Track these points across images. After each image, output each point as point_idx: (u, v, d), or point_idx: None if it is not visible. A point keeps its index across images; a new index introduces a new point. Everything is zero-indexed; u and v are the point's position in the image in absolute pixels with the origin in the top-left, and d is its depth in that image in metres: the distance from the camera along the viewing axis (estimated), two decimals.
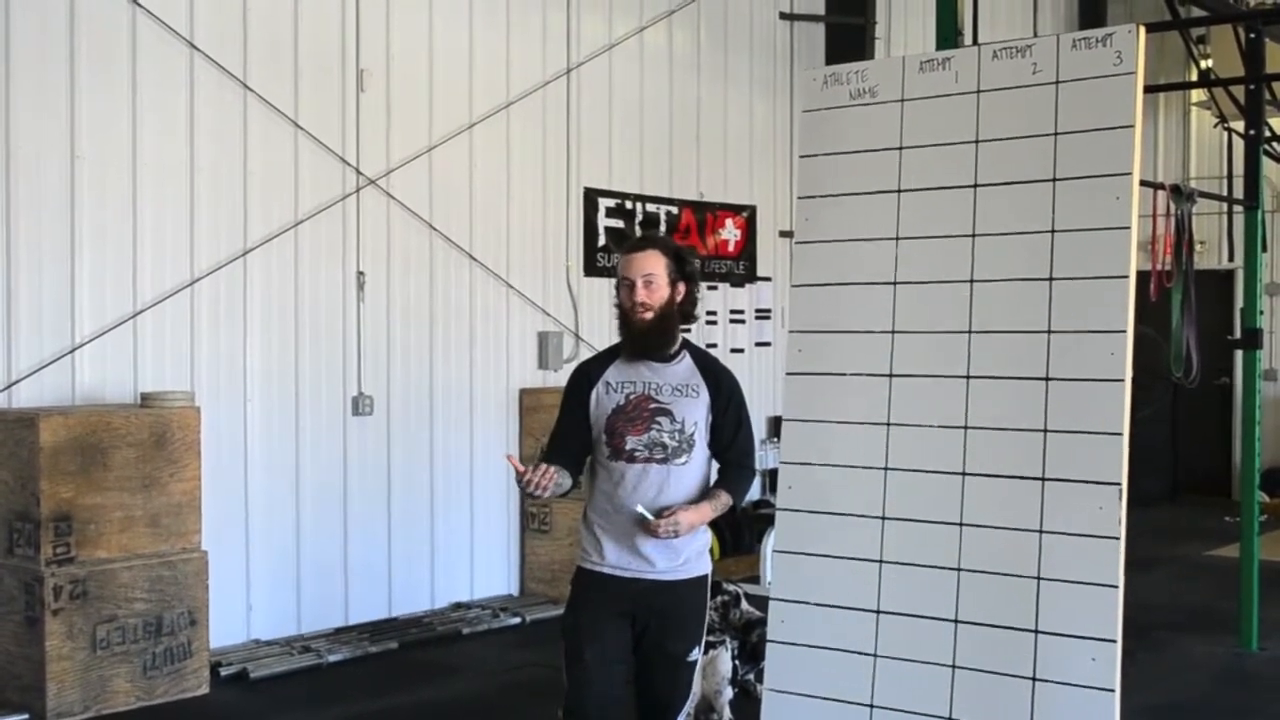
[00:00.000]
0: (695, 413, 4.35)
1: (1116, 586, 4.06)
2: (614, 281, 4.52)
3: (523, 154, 9.03)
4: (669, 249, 4.42)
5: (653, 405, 4.32)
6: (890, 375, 4.58)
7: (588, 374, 4.44)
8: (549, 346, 9.16)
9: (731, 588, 6.55)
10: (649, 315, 4.32)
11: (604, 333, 9.07)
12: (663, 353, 4.38)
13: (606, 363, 4.44)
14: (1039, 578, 4.19)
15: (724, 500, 4.38)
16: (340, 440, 7.98)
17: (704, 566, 4.44)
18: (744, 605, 6.48)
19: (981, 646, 4.28)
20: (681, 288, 4.38)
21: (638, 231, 9.65)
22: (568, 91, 9.29)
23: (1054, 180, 4.33)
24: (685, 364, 4.42)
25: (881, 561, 4.51)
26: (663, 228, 9.92)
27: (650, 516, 4.20)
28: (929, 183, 4.59)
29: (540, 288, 9.18)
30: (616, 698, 4.34)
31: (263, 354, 7.58)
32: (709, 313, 10.39)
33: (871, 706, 4.46)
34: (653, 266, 4.34)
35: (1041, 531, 4.21)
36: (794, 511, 4.72)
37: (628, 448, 4.30)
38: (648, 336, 4.34)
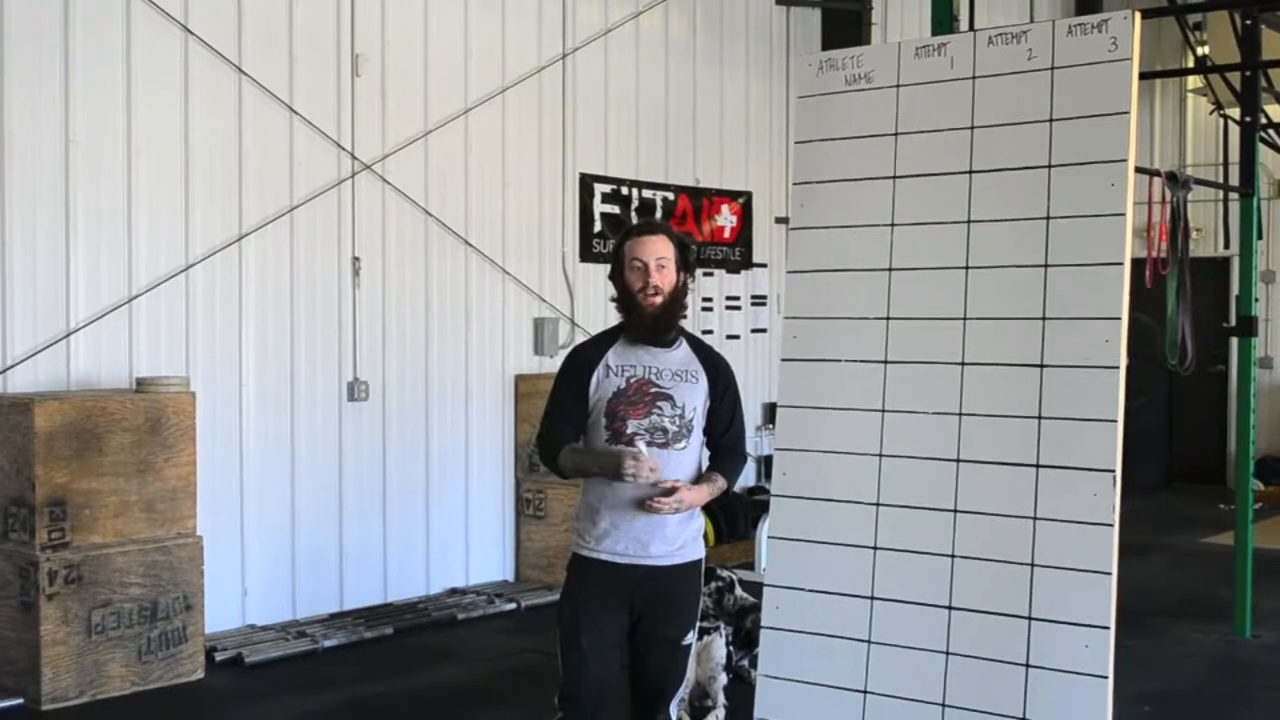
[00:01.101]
0: (695, 398, 4.36)
1: (1110, 573, 4.07)
2: (609, 267, 4.51)
3: (518, 140, 9.02)
4: (674, 237, 4.44)
5: (653, 390, 4.33)
6: (885, 362, 4.58)
7: (587, 356, 4.43)
8: (544, 332, 9.16)
9: (725, 574, 6.55)
10: (659, 299, 4.32)
11: (600, 319, 9.06)
12: (666, 337, 4.39)
13: (605, 345, 4.43)
14: (1033, 564, 4.20)
15: (720, 484, 4.41)
16: (335, 426, 7.98)
17: (699, 551, 4.45)
18: (738, 591, 6.49)
19: (975, 633, 4.29)
20: (683, 276, 4.40)
21: (633, 218, 9.64)
22: (563, 77, 9.28)
23: (1049, 167, 4.33)
24: (684, 350, 4.43)
25: (876, 548, 4.51)
26: (659, 213, 9.92)
27: (646, 452, 4.20)
28: (924, 169, 4.59)
29: (536, 274, 9.18)
30: (612, 684, 4.35)
31: (258, 339, 7.57)
32: (705, 299, 10.39)
33: (865, 693, 4.47)
34: (665, 251, 4.35)
35: (1035, 518, 4.22)
36: (789, 498, 4.73)
37: (628, 431, 4.29)
38: (658, 320, 4.34)
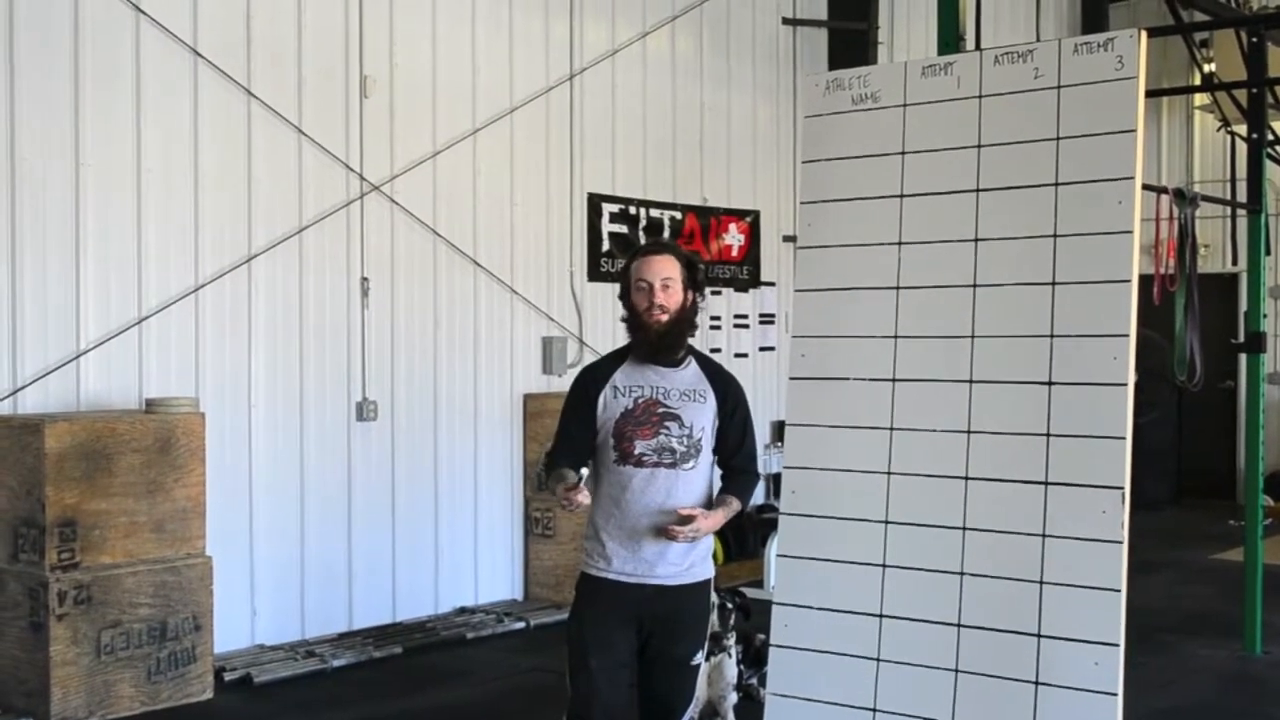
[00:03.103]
0: (703, 418, 4.37)
1: (1119, 590, 4.07)
2: (618, 287, 4.53)
3: (526, 160, 9.05)
4: (682, 256, 4.45)
5: (661, 410, 4.33)
6: (893, 380, 4.59)
7: (595, 377, 4.45)
8: (553, 352, 9.17)
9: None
10: (664, 318, 4.33)
11: (608, 338, 9.08)
12: (673, 357, 4.39)
13: (613, 366, 4.45)
14: (1042, 582, 4.20)
15: (734, 506, 4.41)
16: (345, 446, 7.99)
17: (708, 571, 4.45)
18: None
19: (984, 650, 4.28)
20: (691, 295, 4.40)
21: (642, 237, 9.66)
22: (571, 97, 9.30)
23: (1056, 185, 4.34)
24: (692, 369, 4.43)
25: (885, 566, 4.51)
26: (666, 233, 9.93)
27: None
28: (931, 188, 4.60)
29: (544, 293, 9.19)
30: (621, 704, 4.35)
31: (267, 360, 7.59)
32: (713, 318, 10.40)
33: (875, 711, 4.47)
34: (670, 270, 4.36)
35: (1044, 536, 4.22)
36: (797, 516, 4.73)
37: (636, 452, 4.30)
38: (664, 339, 4.35)
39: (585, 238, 9.47)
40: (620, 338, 4.54)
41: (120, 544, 6.38)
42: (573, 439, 4.42)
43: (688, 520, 4.22)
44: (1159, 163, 14.50)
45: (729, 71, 10.62)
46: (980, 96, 4.54)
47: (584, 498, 4.19)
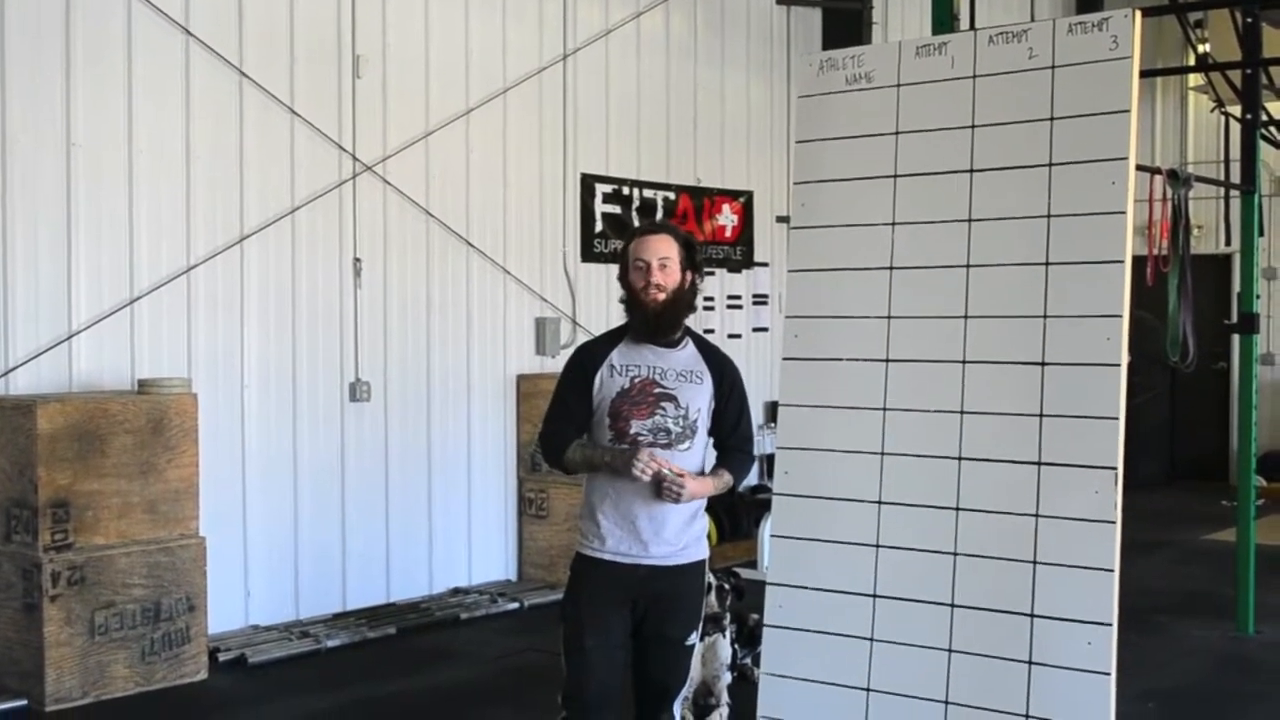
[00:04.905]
0: (699, 399, 4.36)
1: (1112, 570, 4.07)
2: (615, 267, 4.51)
3: (519, 140, 9.02)
4: (680, 237, 4.43)
5: (657, 390, 4.32)
6: (886, 360, 4.59)
7: (592, 355, 4.42)
8: (546, 332, 9.17)
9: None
10: (662, 296, 4.32)
11: (601, 319, 9.07)
12: (670, 337, 4.38)
13: (610, 345, 4.43)
14: (1035, 562, 4.21)
15: (726, 480, 4.40)
16: (338, 426, 7.98)
17: (702, 551, 4.45)
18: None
19: (978, 630, 4.29)
20: (689, 276, 4.39)
21: (635, 218, 9.64)
22: (564, 77, 9.28)
23: (1050, 165, 4.34)
24: (689, 350, 4.42)
25: (878, 546, 4.52)
26: (660, 213, 9.92)
27: (667, 471, 4.20)
28: (925, 168, 4.59)
29: (537, 274, 9.18)
30: (616, 684, 4.35)
31: (260, 340, 7.58)
32: (706, 298, 10.39)
33: (868, 690, 4.48)
34: (668, 250, 4.34)
35: (1038, 516, 4.22)
36: (791, 496, 4.73)
37: (632, 431, 4.29)
38: (661, 317, 4.33)
39: (578, 218, 9.45)
40: (614, 318, 4.53)
41: (113, 525, 6.37)
42: (572, 413, 4.39)
43: (678, 478, 4.20)
44: (1153, 143, 14.50)
45: (723, 51, 10.59)
46: (974, 76, 4.53)
47: (664, 462, 4.19)
